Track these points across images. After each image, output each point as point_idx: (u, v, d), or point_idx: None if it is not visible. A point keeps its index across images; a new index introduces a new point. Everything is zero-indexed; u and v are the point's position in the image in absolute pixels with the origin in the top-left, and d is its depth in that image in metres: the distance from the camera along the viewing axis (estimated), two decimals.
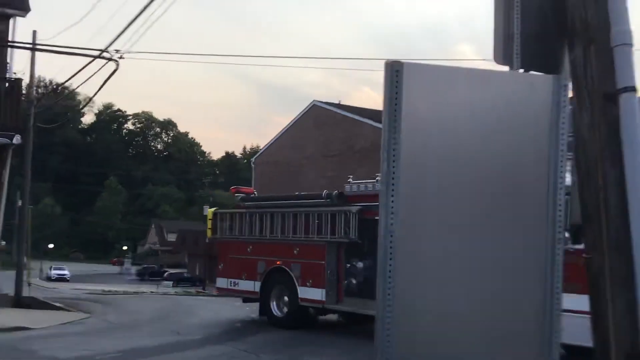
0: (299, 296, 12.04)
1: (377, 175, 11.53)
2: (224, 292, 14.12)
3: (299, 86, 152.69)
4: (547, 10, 3.49)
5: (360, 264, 11.37)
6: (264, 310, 12.95)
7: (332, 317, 13.23)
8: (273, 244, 12.75)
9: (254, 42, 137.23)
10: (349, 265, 11.54)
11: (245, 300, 14.27)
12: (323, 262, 11.67)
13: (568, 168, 3.43)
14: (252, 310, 14.26)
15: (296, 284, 12.07)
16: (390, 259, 2.99)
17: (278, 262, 12.51)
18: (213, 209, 14.24)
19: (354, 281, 11.40)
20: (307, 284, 11.88)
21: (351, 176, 12.75)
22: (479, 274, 3.18)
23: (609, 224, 3.21)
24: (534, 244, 3.28)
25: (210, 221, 13.68)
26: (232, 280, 13.33)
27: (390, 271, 2.99)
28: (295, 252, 12.26)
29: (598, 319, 3.32)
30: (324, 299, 11.65)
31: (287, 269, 12.29)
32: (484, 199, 3.22)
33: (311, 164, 31.89)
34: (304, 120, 34.08)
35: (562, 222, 3.30)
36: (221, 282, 13.80)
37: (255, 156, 40.24)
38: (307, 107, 34.26)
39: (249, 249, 13.14)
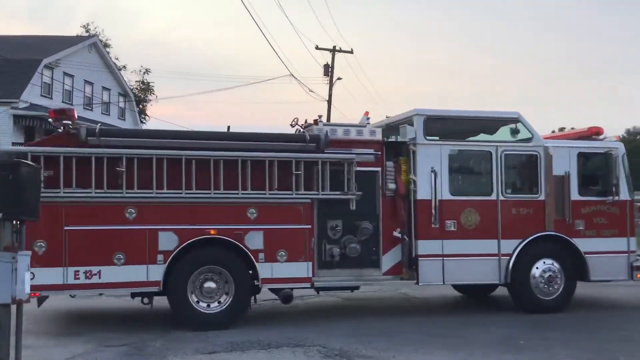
0: (261, 277, 8.91)
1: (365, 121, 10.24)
2: (49, 291, 8.45)
3: None
4: None
5: (340, 227, 9.37)
6: (171, 306, 8.90)
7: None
8: (195, 206, 8.81)
9: None
10: (333, 229, 9.41)
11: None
12: (309, 227, 9.17)
13: None
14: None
15: (254, 260, 8.89)
16: None
17: (212, 231, 8.82)
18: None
19: (336, 249, 9.32)
20: (278, 258, 8.99)
21: (321, 116, 10.04)
22: None
23: None
24: None
25: None
26: (84, 269, 8.40)
27: None
28: (252, 215, 8.98)
29: None
30: (310, 275, 9.10)
31: (231, 239, 8.85)
32: None
33: None
34: None
35: None
36: (45, 276, 8.16)
37: None
38: None
39: (130, 214, 8.61)
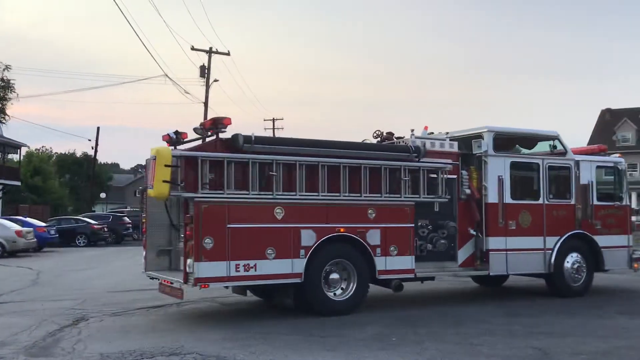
0: (378, 269, 10.19)
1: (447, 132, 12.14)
2: (215, 283, 9.13)
3: None
4: None
5: (430, 226, 10.98)
6: (305, 296, 9.80)
7: None
8: (328, 207, 9.94)
9: None
10: (422, 227, 10.94)
11: (233, 291, 10.79)
12: (411, 225, 10.60)
13: None
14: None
15: (373, 254, 10.19)
16: None
17: (342, 229, 10.00)
18: (159, 149, 9.09)
19: (428, 245, 10.91)
20: (390, 253, 10.35)
21: (413, 130, 11.42)
22: None
23: None
24: None
25: (167, 169, 8.88)
26: (243, 262, 9.18)
27: None
28: (371, 215, 10.25)
29: None
30: (413, 267, 10.54)
31: (356, 236, 10.09)
32: None
33: None
34: None
35: None
36: (209, 269, 8.96)
37: None
38: None
39: (278, 214, 9.62)
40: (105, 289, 13.94)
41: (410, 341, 8.15)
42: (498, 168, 11.51)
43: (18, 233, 25.76)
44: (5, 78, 50.53)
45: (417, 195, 10.66)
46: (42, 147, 74.19)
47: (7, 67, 50.53)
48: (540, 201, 11.96)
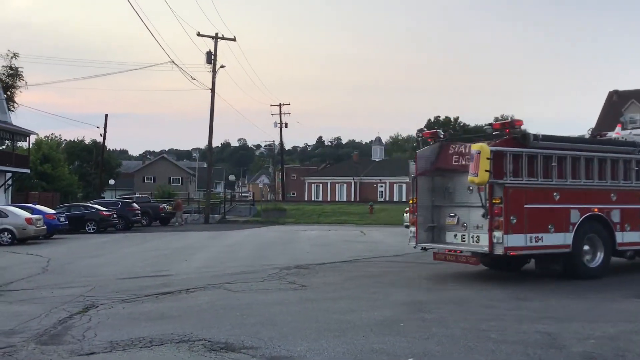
0: (617, 242, 12.65)
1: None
2: (520, 252, 11.57)
3: None
4: None
5: None
6: (570, 263, 12.12)
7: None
8: (586, 191, 12.42)
9: None
10: None
11: (492, 266, 13.71)
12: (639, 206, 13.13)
13: None
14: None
15: (614, 229, 12.63)
16: None
17: (595, 209, 12.45)
18: (482, 145, 11.38)
19: None
20: (626, 228, 12.80)
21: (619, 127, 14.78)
22: None
23: None
24: None
25: (488, 161, 11.06)
26: (533, 235, 11.49)
27: None
28: (613, 197, 12.74)
29: None
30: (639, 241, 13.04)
31: (604, 215, 12.55)
32: None
33: None
34: None
35: None
36: (515, 240, 11.29)
37: None
38: None
39: (556, 197, 11.95)
40: (114, 276, 14.03)
41: (417, 327, 8.16)
42: None
43: (28, 220, 25.91)
44: (13, 66, 50.63)
45: None
46: (52, 134, 74.59)
47: (15, 55, 50.58)
48: None
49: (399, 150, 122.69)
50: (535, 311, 9.27)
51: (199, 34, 44.42)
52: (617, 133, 14.69)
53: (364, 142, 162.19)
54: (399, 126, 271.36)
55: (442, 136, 13.31)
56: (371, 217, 44.48)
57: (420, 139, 13.09)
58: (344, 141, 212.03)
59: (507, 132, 11.90)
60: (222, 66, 45.41)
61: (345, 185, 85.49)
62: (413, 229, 13.14)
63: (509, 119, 12.14)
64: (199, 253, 20.29)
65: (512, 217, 11.32)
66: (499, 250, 11.31)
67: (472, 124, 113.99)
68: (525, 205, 11.53)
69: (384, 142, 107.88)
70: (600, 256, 12.50)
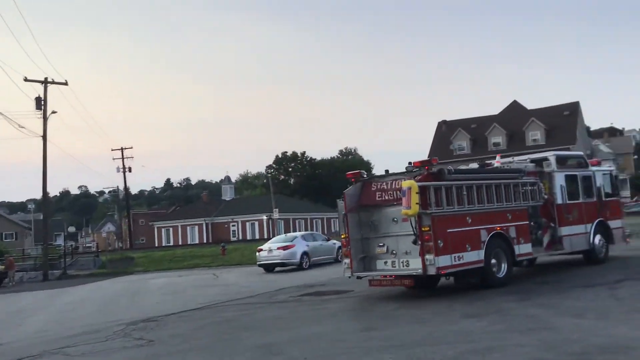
0: (516, 253, 14.71)
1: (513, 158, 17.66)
2: (448, 270, 13.11)
3: None
4: None
5: (531, 222, 15.68)
6: (485, 276, 13.91)
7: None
8: (490, 213, 14.22)
9: None
10: (532, 223, 15.72)
11: (416, 285, 14.39)
12: (528, 223, 15.40)
13: None
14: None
15: (512, 244, 14.58)
16: None
17: (498, 228, 14.27)
18: (412, 182, 12.87)
19: (532, 235, 15.59)
20: (521, 242, 14.84)
21: (498, 156, 17.69)
22: None
23: None
24: None
25: (417, 195, 12.66)
26: (456, 255, 13.14)
27: None
28: (509, 217, 14.64)
29: None
30: (531, 251, 15.44)
31: (504, 232, 14.43)
32: None
33: None
34: None
35: None
36: (444, 261, 12.89)
37: None
38: None
39: (469, 220, 13.66)
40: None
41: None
42: (559, 180, 16.65)
43: None
44: None
45: (527, 201, 15.32)
46: None
47: None
48: (580, 200, 17.18)
49: (249, 188, 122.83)
50: (383, 340, 9.55)
51: (26, 79, 41.67)
52: (497, 162, 17.03)
53: (213, 182, 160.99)
54: (248, 164, 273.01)
55: (364, 176, 15.03)
56: (224, 258, 43.69)
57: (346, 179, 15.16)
58: (193, 182, 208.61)
59: (426, 168, 13.51)
60: (53, 112, 42.86)
61: (196, 227, 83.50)
62: (347, 260, 14.44)
63: (427, 158, 14.09)
64: (36, 315, 18.69)
65: (439, 241, 12.89)
66: (431, 271, 12.84)
67: (319, 158, 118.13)
68: (448, 230, 13.17)
69: (233, 180, 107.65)
70: (504, 267, 14.47)
